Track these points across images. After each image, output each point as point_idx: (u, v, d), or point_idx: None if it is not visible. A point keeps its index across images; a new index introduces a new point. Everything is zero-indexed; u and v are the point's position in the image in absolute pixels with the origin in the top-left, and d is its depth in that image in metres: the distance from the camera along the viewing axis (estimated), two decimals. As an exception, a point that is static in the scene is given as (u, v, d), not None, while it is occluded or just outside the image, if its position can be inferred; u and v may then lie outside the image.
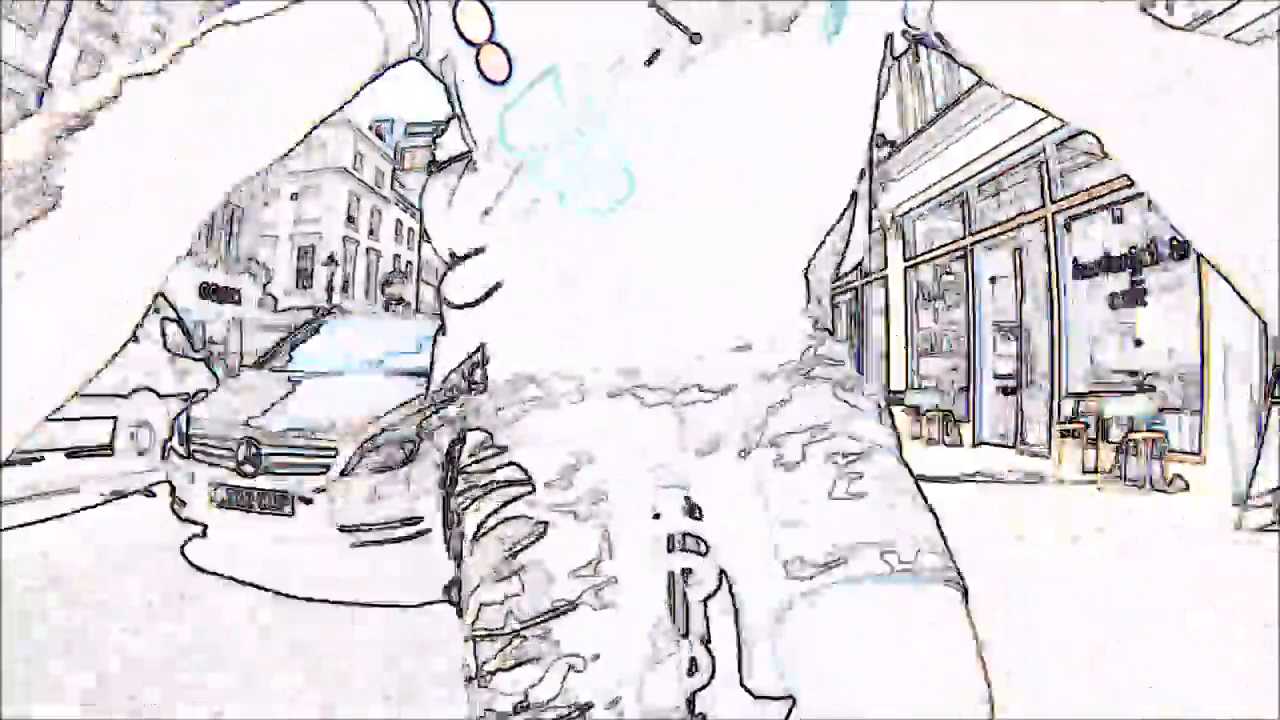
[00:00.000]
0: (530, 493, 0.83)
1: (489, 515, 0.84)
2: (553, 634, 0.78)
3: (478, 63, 0.81)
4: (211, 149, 0.72)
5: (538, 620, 0.79)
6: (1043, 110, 0.79)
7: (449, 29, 0.82)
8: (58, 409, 0.65)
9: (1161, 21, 0.74)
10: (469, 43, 0.81)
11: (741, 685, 0.81)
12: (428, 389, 0.96)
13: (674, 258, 0.84)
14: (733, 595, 0.82)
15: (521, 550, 0.81)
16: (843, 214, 0.89)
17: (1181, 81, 0.72)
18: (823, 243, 0.88)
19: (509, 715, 0.77)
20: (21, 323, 0.62)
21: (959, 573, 0.79)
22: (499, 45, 0.81)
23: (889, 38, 0.85)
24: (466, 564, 0.85)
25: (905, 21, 0.84)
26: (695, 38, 0.79)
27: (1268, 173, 0.68)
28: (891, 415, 0.90)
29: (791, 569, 0.78)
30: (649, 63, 0.80)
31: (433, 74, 0.85)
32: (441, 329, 0.93)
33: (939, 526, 0.82)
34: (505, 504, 0.84)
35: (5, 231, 0.63)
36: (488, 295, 0.88)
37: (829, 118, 0.84)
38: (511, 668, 0.78)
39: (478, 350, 0.91)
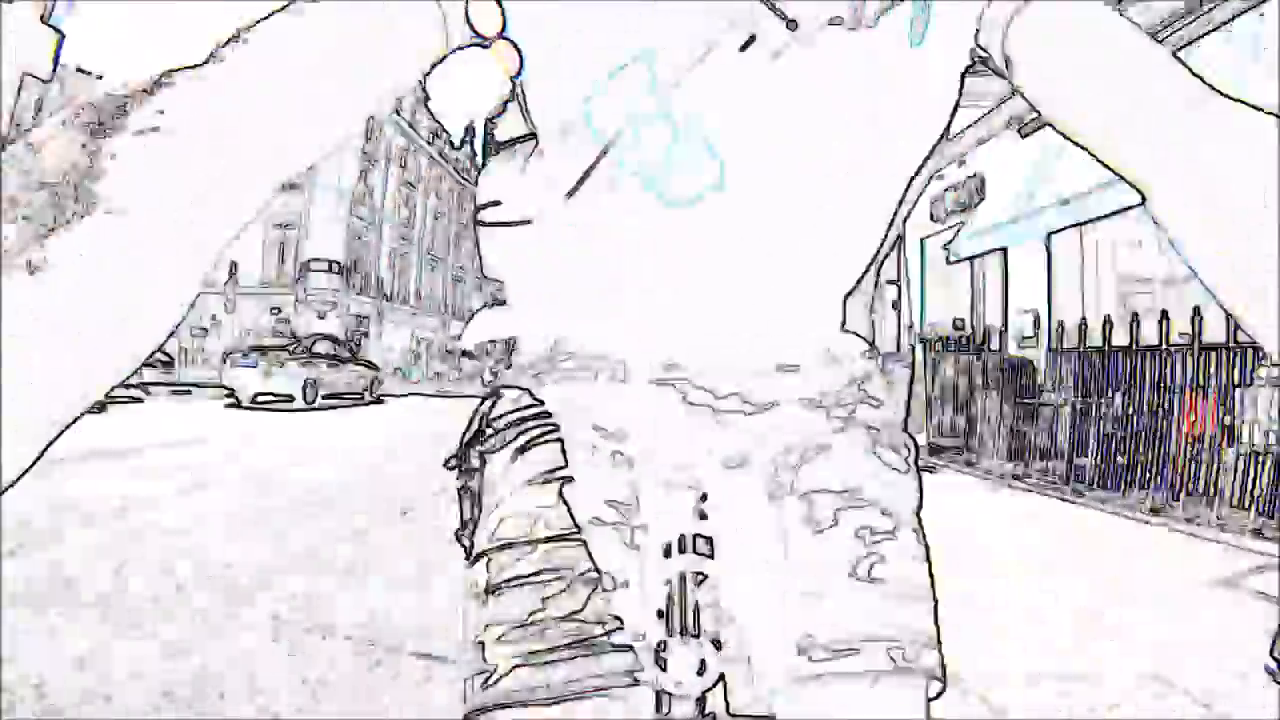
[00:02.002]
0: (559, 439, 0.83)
1: (522, 445, 0.83)
2: (581, 551, 0.77)
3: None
4: (260, 145, 0.69)
5: (570, 533, 0.78)
6: (1092, 155, 0.78)
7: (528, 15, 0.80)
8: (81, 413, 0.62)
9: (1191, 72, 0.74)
10: (481, 38, 0.81)
11: (725, 707, 0.80)
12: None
13: (750, 255, 0.83)
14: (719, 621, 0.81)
15: (556, 471, 0.81)
16: (895, 220, 0.88)
17: (1208, 137, 0.72)
18: (878, 251, 0.87)
19: (516, 627, 0.76)
20: (55, 324, 0.60)
21: (943, 668, 0.82)
22: (509, 40, 0.80)
23: (973, 51, 0.83)
24: (486, 480, 0.84)
25: (976, 40, 0.82)
26: (792, 24, 0.78)
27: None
28: (919, 467, 0.90)
29: (803, 645, 0.79)
30: (744, 49, 0.79)
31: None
32: (492, 303, 0.92)
33: (935, 615, 0.83)
34: (541, 434, 0.83)
35: (40, 232, 0.60)
36: (519, 223, 0.86)
37: (907, 122, 0.83)
38: (533, 575, 0.77)
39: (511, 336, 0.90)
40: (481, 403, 0.90)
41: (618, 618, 0.77)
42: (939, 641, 0.82)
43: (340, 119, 0.74)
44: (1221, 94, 0.73)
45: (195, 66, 0.67)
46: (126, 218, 0.62)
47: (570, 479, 0.82)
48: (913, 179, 0.86)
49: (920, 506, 0.87)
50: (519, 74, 0.81)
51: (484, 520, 0.83)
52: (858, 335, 0.90)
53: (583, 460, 0.82)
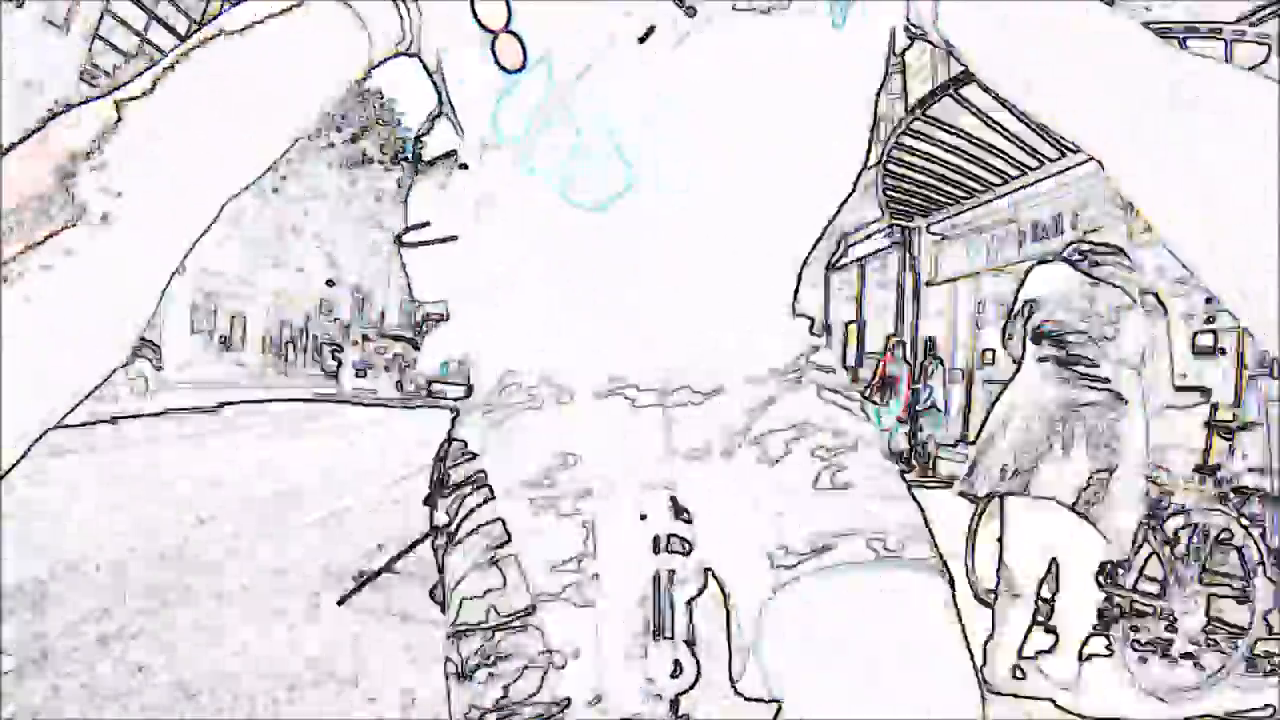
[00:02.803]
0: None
1: (471, 512, 0.83)
2: (532, 629, 0.78)
3: (493, 50, 0.80)
4: (208, 162, 0.73)
5: (517, 615, 0.78)
6: (1043, 124, 0.78)
7: (448, 23, 0.81)
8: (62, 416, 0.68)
9: (1163, 38, 0.73)
10: (485, 29, 0.80)
11: (732, 688, 0.80)
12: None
13: (671, 252, 0.82)
14: (725, 599, 0.82)
15: (502, 546, 0.81)
16: (839, 209, 0.87)
17: (1179, 105, 0.71)
18: (819, 239, 0.87)
19: (490, 711, 0.77)
20: (29, 333, 0.65)
21: (945, 565, 0.78)
22: (514, 34, 0.79)
23: (893, 31, 0.84)
24: (449, 562, 0.84)
25: (909, 20, 0.82)
26: (689, 11, 0.78)
27: (1261, 198, 0.68)
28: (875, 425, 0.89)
29: (776, 559, 0.78)
30: (643, 39, 0.78)
31: (425, 70, 0.84)
32: (432, 322, 0.91)
33: (924, 516, 0.81)
34: (487, 502, 0.83)
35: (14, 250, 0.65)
36: (441, 241, 0.86)
37: (830, 105, 0.83)
38: (492, 663, 0.78)
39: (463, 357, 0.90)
40: (441, 445, 0.90)
41: (576, 689, 0.77)
42: (931, 538, 0.80)
43: (284, 126, 0.76)
44: (1176, 46, 0.73)
45: (135, 99, 0.70)
46: (98, 228, 0.67)
47: (512, 555, 0.81)
48: (861, 160, 0.85)
49: (885, 445, 0.86)
50: (522, 68, 0.80)
51: (446, 594, 0.84)
52: (806, 316, 0.89)
53: (523, 529, 0.81)
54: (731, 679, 0.80)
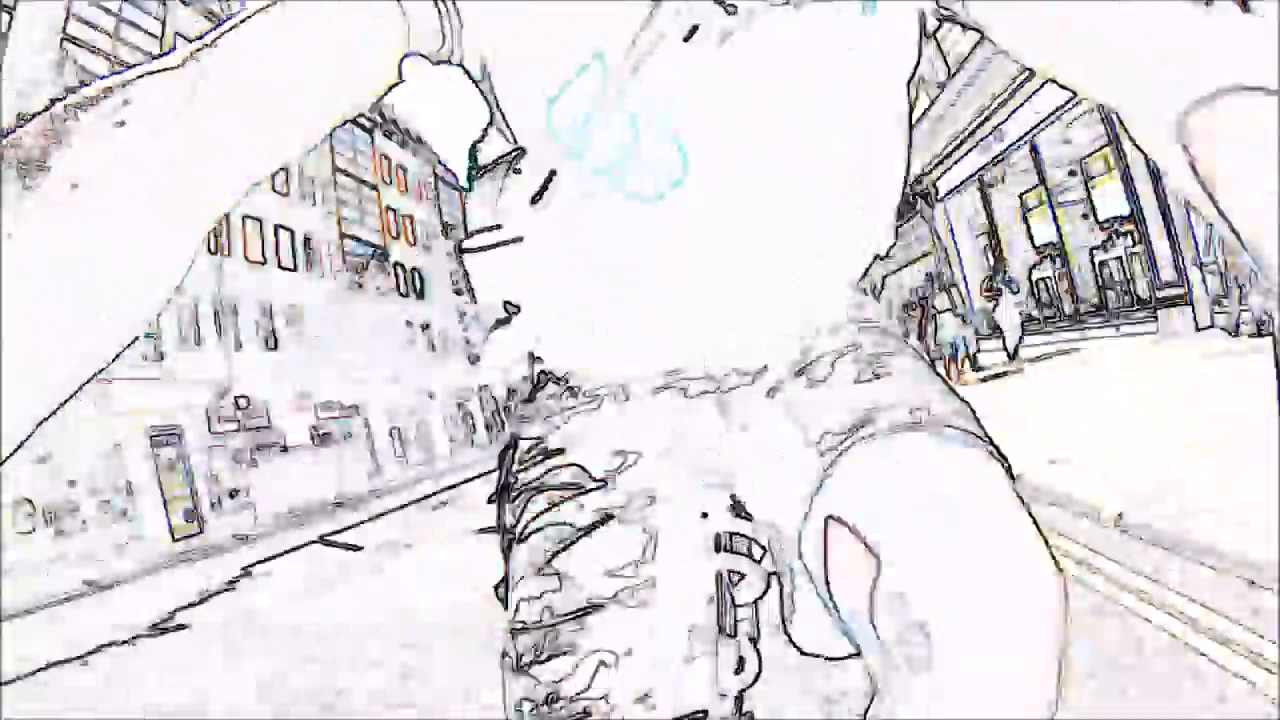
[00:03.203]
0: (578, 495, 0.83)
1: (536, 515, 0.85)
2: (585, 629, 0.79)
3: None
4: (230, 146, 0.72)
5: (572, 616, 0.79)
6: (1070, 89, 0.79)
7: (491, 27, 0.82)
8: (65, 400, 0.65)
9: None
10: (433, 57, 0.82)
11: (787, 638, 0.81)
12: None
13: (728, 241, 0.83)
14: (774, 559, 0.81)
15: (563, 550, 0.82)
16: (903, 188, 0.88)
17: (1180, 53, 0.71)
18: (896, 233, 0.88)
19: (540, 705, 0.79)
20: (30, 316, 0.63)
21: (1000, 451, 0.75)
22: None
23: (922, 14, 0.84)
24: (512, 561, 0.86)
25: (938, 1, 0.83)
26: (730, 8, 0.79)
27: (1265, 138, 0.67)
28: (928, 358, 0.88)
29: (823, 444, 0.77)
30: (688, 38, 0.79)
31: (470, 78, 0.86)
32: (498, 323, 0.92)
33: (974, 414, 0.79)
34: (552, 506, 0.84)
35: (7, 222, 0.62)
36: (504, 244, 0.87)
37: (870, 91, 0.84)
38: (546, 660, 0.79)
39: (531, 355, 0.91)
40: (503, 452, 0.92)
41: (624, 688, 0.78)
42: (980, 427, 0.78)
43: (312, 120, 0.77)
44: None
45: (166, 70, 0.70)
46: (87, 192, 0.64)
47: (582, 539, 0.82)
48: (906, 139, 0.86)
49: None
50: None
51: (510, 597, 0.85)
52: (862, 309, 0.89)
53: (581, 533, 0.82)
54: (785, 629, 0.81)
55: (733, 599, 0.81)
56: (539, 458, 0.87)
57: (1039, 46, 0.79)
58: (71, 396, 0.65)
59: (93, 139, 0.65)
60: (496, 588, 0.89)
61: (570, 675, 0.78)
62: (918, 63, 0.85)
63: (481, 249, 0.88)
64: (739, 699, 0.80)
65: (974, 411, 0.78)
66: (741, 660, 0.80)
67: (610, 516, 0.82)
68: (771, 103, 0.81)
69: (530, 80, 0.82)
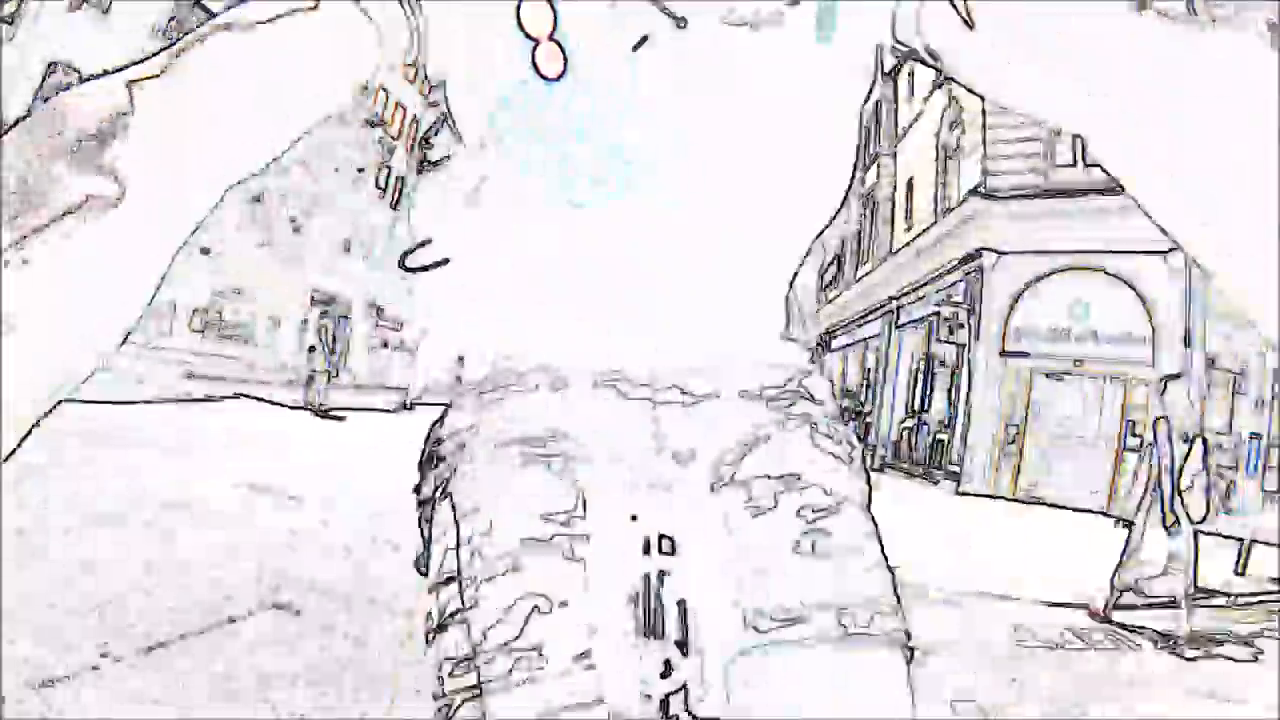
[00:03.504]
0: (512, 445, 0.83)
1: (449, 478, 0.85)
2: (519, 571, 0.78)
3: (534, 58, 0.82)
4: (210, 149, 0.74)
5: (499, 558, 0.79)
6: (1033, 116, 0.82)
7: (449, 34, 0.83)
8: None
9: (1144, 6, 0.75)
10: (529, 38, 0.82)
11: (686, 712, 0.80)
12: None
13: (665, 253, 0.84)
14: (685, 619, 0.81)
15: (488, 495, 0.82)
16: (828, 223, 0.89)
17: (1161, 78, 0.73)
18: (806, 255, 0.89)
19: (463, 661, 0.78)
20: (30, 316, 0.67)
21: (907, 633, 0.82)
22: (557, 42, 0.82)
23: (879, 50, 0.86)
24: (435, 522, 0.85)
25: (895, 35, 0.85)
26: (681, 22, 0.80)
27: (1253, 170, 0.69)
28: (866, 461, 0.91)
29: (749, 618, 0.80)
30: (636, 48, 0.81)
31: (427, 78, 0.86)
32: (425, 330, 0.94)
33: (894, 585, 0.83)
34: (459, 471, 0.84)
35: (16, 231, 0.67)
36: (437, 265, 0.89)
37: (815, 119, 0.85)
38: (471, 608, 0.78)
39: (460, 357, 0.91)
40: (431, 428, 0.91)
41: (559, 640, 0.77)
42: (900, 608, 0.83)
43: (289, 122, 0.79)
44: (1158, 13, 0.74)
45: (151, 77, 0.72)
46: (94, 215, 0.68)
47: (500, 503, 0.81)
48: (847, 175, 0.88)
49: (869, 497, 0.88)
50: (562, 75, 0.82)
51: (433, 552, 0.84)
52: (795, 341, 0.91)
53: (511, 476, 0.82)
54: (686, 705, 0.80)
55: (662, 601, 0.80)
56: (466, 427, 0.86)
57: (998, 75, 0.81)
58: (66, 397, 0.69)
59: (96, 173, 0.69)
60: (416, 561, 0.88)
61: (501, 621, 0.76)
62: (869, 97, 0.87)
63: (419, 269, 0.90)
64: (664, 703, 0.79)
65: (894, 577, 0.84)
66: (668, 664, 0.80)
67: (545, 462, 0.82)
68: (716, 121, 0.82)
69: (481, 84, 0.83)
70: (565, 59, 0.82)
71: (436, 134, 0.92)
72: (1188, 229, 0.74)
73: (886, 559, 0.85)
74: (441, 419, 0.90)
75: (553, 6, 0.81)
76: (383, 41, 0.81)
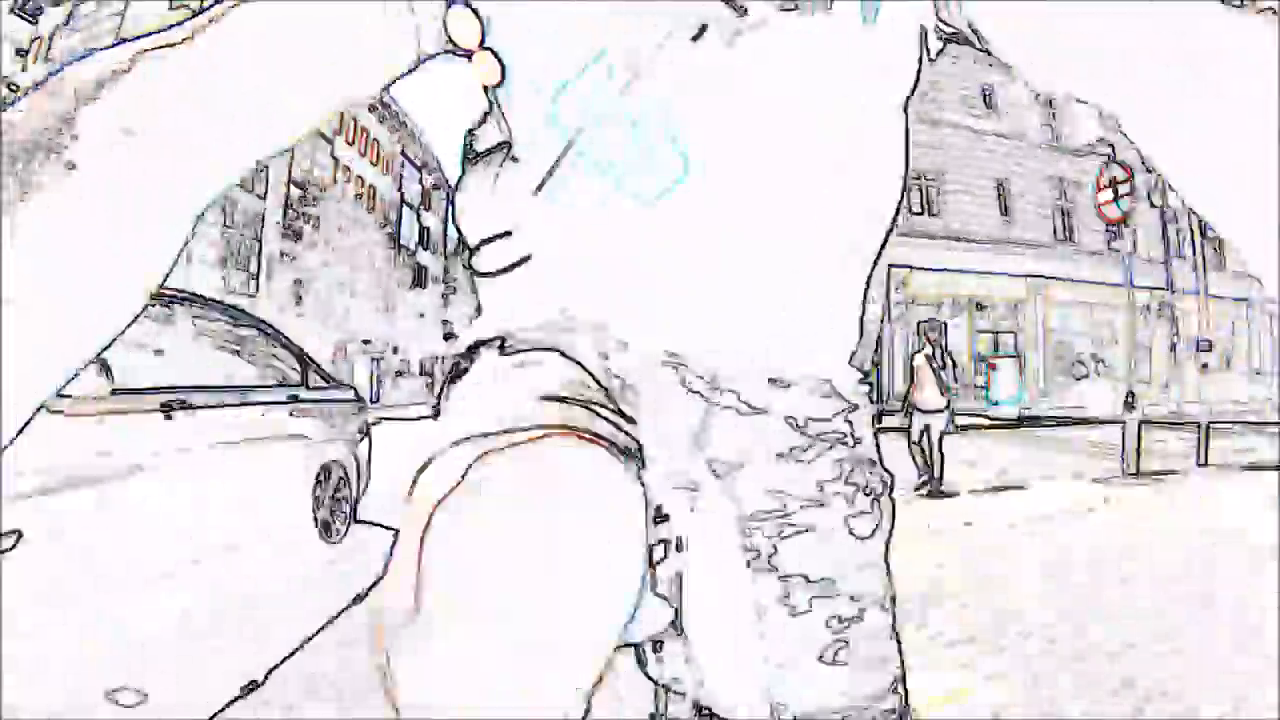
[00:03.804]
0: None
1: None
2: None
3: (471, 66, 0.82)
4: (229, 135, 0.72)
5: None
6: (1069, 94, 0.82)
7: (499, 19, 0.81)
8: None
9: None
10: (459, 50, 0.82)
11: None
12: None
13: (722, 248, 0.82)
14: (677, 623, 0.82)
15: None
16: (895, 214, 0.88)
17: (1182, 57, 0.75)
18: (879, 255, 0.87)
19: None
20: (31, 303, 0.64)
21: (905, 702, 0.87)
22: (490, 50, 0.81)
23: (924, 33, 0.85)
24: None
25: (938, 16, 0.84)
26: (741, 10, 0.79)
27: (1266, 143, 0.72)
28: (892, 499, 0.91)
29: (776, 709, 0.83)
30: (696, 38, 0.79)
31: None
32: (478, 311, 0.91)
33: (903, 676, 0.88)
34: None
35: (10, 201, 0.63)
36: (515, 266, 0.86)
37: (870, 102, 0.84)
38: None
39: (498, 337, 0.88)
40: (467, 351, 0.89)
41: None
42: (903, 699, 0.87)
43: (301, 116, 0.77)
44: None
45: (168, 46, 0.70)
46: (98, 185, 0.66)
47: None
48: (901, 162, 0.86)
49: (891, 529, 0.89)
50: (500, 84, 0.82)
51: None
52: (857, 369, 0.89)
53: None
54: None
55: (652, 579, 0.80)
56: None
57: (1037, 53, 0.81)
58: (69, 381, 0.66)
59: (103, 136, 0.66)
60: None
61: None
62: (916, 82, 0.85)
63: (494, 273, 0.88)
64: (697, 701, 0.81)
65: (904, 671, 0.89)
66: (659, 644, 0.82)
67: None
68: (776, 109, 0.81)
69: (536, 76, 0.81)
70: (503, 68, 0.81)
71: (480, 125, 0.89)
72: (1210, 203, 0.76)
73: (900, 652, 0.88)
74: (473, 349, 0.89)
75: (478, 16, 0.80)
76: (420, 36, 0.80)
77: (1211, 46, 0.75)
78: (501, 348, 0.85)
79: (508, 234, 0.86)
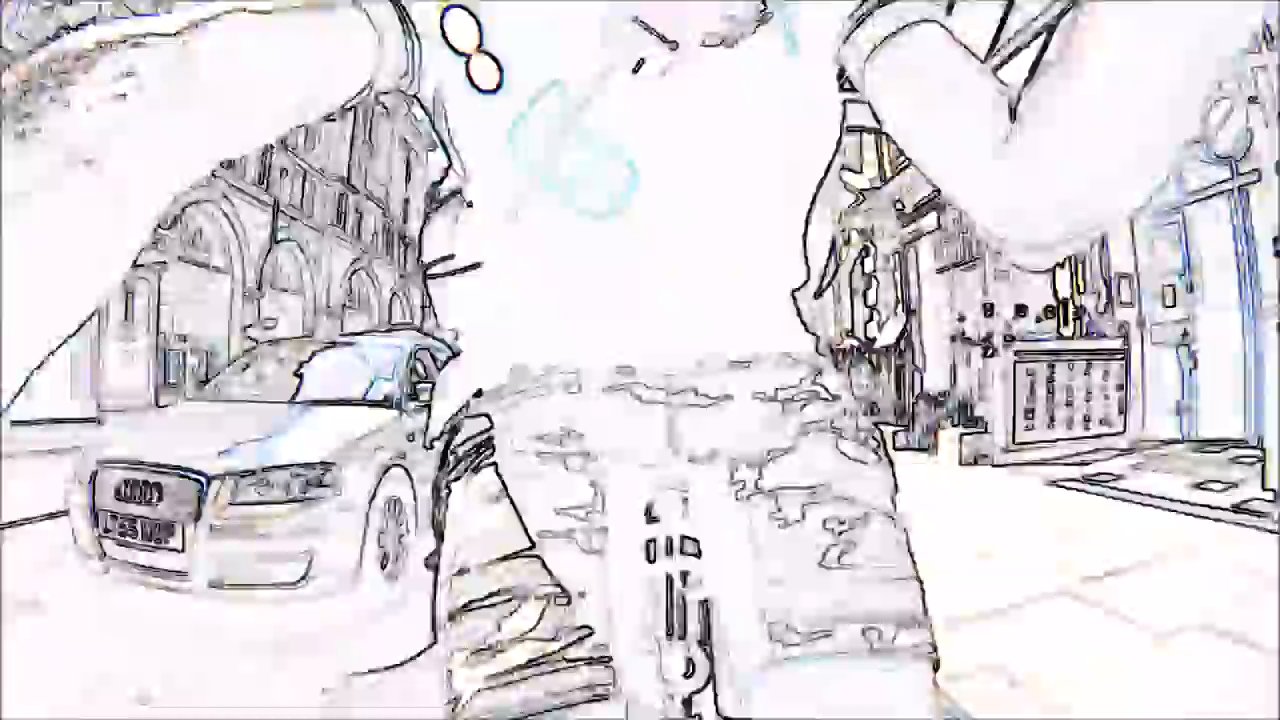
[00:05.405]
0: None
1: (476, 467, 0.86)
2: (538, 564, 0.79)
3: (468, 72, 0.85)
4: (210, 129, 0.75)
5: (518, 553, 0.80)
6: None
7: (439, 51, 0.85)
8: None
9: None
10: (457, 53, 0.85)
11: (716, 711, 0.81)
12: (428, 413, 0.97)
13: (672, 258, 0.86)
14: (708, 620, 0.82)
15: (506, 492, 0.83)
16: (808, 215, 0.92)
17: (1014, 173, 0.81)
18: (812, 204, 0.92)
19: (476, 650, 0.78)
20: (24, 274, 0.65)
21: (933, 645, 0.83)
22: (488, 53, 0.85)
23: (841, 69, 0.90)
24: (451, 518, 0.86)
25: (838, 54, 0.89)
26: (673, 45, 0.84)
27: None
28: (889, 454, 0.91)
29: (775, 631, 0.80)
30: (635, 70, 0.84)
31: (424, 109, 0.90)
32: (453, 355, 0.95)
33: (922, 596, 0.84)
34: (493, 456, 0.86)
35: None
36: (466, 269, 0.91)
37: (800, 123, 0.89)
38: (487, 597, 0.79)
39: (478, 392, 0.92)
40: (448, 434, 0.93)
41: (580, 627, 0.78)
42: (927, 620, 0.83)
43: (279, 117, 0.81)
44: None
45: (164, 35, 0.72)
46: (92, 165, 0.67)
47: (518, 499, 0.83)
48: (823, 177, 0.91)
49: (895, 493, 0.89)
50: (497, 88, 0.85)
51: (446, 548, 0.86)
52: (810, 332, 0.93)
53: (529, 475, 0.84)
54: (717, 708, 0.81)
55: (683, 600, 0.82)
56: (483, 431, 0.88)
57: (921, 148, 0.87)
58: (46, 360, 0.67)
59: (95, 107, 0.68)
60: (426, 560, 0.89)
61: (513, 613, 0.78)
62: (843, 116, 0.91)
63: (444, 275, 0.92)
64: (688, 702, 0.81)
65: (922, 587, 0.85)
66: (690, 663, 0.81)
67: (561, 461, 0.84)
68: (711, 133, 0.86)
69: (494, 106, 0.85)
70: (500, 70, 0.85)
71: (443, 179, 0.94)
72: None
73: (916, 568, 0.85)
74: (456, 420, 0.92)
75: (475, 18, 0.84)
76: (384, 58, 0.84)
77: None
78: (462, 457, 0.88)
79: (452, 256, 0.91)
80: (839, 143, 0.91)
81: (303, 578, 3.75)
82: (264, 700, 2.96)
